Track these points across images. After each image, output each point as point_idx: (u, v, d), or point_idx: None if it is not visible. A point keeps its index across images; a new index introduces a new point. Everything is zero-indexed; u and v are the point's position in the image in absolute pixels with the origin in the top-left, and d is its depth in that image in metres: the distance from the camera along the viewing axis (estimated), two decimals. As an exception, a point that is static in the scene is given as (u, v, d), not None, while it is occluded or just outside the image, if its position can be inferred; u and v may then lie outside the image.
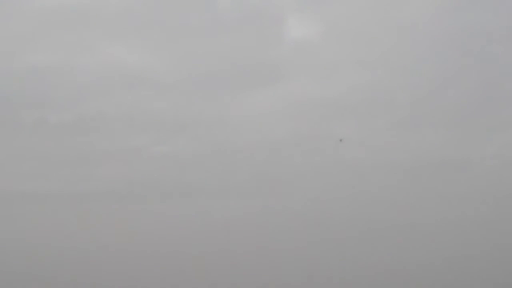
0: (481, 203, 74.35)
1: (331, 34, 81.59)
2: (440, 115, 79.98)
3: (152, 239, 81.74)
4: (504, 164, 76.60)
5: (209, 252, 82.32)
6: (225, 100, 79.87)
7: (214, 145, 79.32)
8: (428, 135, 79.56)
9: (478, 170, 78.14)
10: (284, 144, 79.55)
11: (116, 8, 78.88)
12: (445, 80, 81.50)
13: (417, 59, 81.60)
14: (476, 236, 72.73)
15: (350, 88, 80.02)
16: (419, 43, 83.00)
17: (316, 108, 79.95)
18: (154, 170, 79.11)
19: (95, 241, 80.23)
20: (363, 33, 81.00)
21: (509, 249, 69.07)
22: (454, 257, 68.66)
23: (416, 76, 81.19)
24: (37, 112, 78.96)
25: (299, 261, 77.07)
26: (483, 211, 74.35)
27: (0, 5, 78.93)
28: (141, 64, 79.16)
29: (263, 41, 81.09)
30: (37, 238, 79.56)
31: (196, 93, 79.69)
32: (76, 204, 77.12)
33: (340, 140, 74.45)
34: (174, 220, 79.52)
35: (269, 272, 75.49)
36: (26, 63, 78.28)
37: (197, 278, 74.32)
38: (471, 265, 66.15)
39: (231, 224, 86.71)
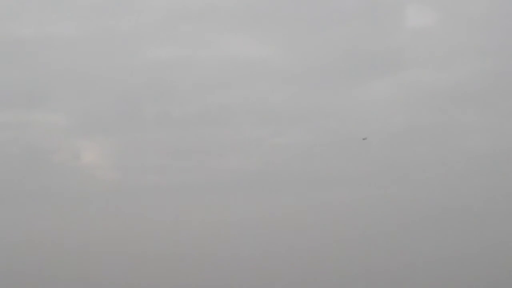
0: None
1: (451, 21, 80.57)
2: None
3: (275, 228, 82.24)
4: None
5: (327, 242, 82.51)
6: (343, 91, 79.93)
7: (333, 136, 79.49)
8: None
9: None
10: (403, 133, 79.12)
11: (237, 1, 79.67)
12: None
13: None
14: None
15: (471, 75, 78.78)
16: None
17: (436, 96, 79.14)
18: (274, 161, 79.84)
19: (220, 231, 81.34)
20: (483, 19, 79.47)
21: None
22: None
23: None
24: (160, 106, 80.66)
25: (423, 250, 76.53)
26: None
27: (123, 2, 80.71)
28: (261, 57, 79.96)
29: (381, 31, 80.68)
30: (164, 229, 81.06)
31: (315, 84, 79.95)
32: (200, 195, 78.40)
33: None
34: (295, 210, 80.00)
35: (393, 260, 75.23)
36: (148, 58, 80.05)
37: (318, 268, 74.77)
38: None
39: (348, 214, 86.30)
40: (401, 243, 77.22)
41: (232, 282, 73.52)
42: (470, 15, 79.94)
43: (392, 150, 78.38)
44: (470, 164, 77.67)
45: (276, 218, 78.79)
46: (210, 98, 79.47)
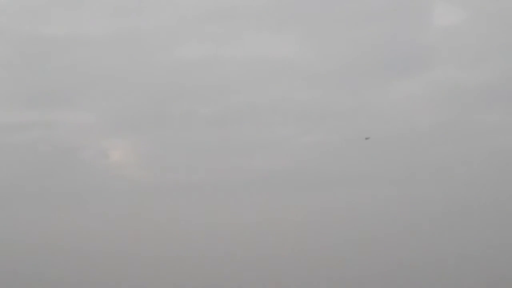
0: None
1: (479, 19, 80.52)
2: None
3: (300, 226, 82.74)
4: None
5: (354, 239, 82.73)
6: (371, 89, 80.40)
7: (360, 134, 79.75)
8: None
9: None
10: (431, 131, 79.16)
11: (262, 1, 79.87)
12: None
13: None
14: None
15: (499, 74, 78.74)
16: None
17: (465, 94, 79.53)
18: (301, 160, 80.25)
19: (247, 229, 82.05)
20: (511, 17, 78.94)
21: None
22: None
23: None
24: (186, 105, 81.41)
25: (454, 246, 76.28)
26: None
27: (149, 1, 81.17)
28: (287, 55, 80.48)
29: (408, 29, 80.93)
30: (191, 227, 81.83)
31: (342, 83, 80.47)
32: (225, 193, 79.14)
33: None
34: (320, 208, 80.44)
35: (421, 258, 75.25)
36: (175, 57, 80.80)
37: (349, 264, 75.00)
38: None
39: (376, 211, 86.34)
40: (432, 239, 77.38)
41: (259, 280, 74.00)
42: (499, 13, 79.65)
43: (419, 148, 78.35)
44: (496, 162, 77.66)
45: (306, 216, 79.59)
46: (236, 97, 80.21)
